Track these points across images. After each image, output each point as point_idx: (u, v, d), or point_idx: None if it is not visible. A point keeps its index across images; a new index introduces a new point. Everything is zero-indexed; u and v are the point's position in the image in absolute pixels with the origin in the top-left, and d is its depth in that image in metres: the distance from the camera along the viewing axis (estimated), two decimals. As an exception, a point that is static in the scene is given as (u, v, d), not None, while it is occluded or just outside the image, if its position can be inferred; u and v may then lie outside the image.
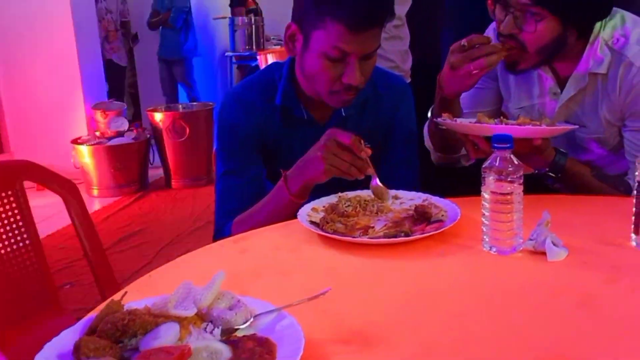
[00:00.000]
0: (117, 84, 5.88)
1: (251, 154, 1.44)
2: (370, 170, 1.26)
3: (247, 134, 1.44)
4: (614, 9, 1.43)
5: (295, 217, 1.23)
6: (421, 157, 1.58)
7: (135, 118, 6.50)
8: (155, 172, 4.82)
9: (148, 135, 4.70)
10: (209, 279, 0.84)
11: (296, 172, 1.30)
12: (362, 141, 1.25)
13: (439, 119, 1.40)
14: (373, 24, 1.27)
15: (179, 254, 1.15)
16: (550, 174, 1.40)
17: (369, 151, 1.24)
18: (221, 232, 1.42)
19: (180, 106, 5.11)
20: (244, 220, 1.37)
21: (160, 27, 6.05)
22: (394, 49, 2.15)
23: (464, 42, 1.36)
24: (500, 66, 1.59)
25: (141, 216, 4.08)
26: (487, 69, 1.38)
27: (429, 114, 1.53)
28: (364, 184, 1.30)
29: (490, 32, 1.63)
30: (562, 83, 1.49)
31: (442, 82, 1.44)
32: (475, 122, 1.34)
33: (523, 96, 1.58)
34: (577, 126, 1.38)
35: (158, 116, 4.56)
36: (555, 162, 1.39)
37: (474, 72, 1.36)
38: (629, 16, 1.45)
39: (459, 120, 1.42)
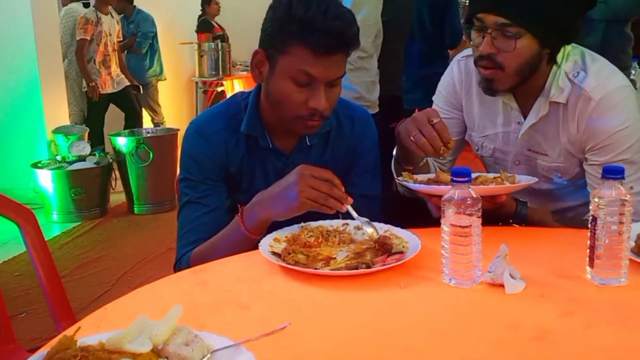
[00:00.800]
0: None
1: (214, 184, 1.43)
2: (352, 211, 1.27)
3: (209, 164, 1.43)
4: (574, 44, 1.49)
5: (256, 247, 1.22)
6: (383, 187, 1.59)
7: (98, 143, 6.41)
8: (117, 198, 4.75)
9: (111, 160, 4.64)
10: (167, 312, 0.82)
11: (260, 207, 1.29)
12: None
13: (399, 179, 1.42)
14: (338, 49, 1.28)
15: (139, 281, 1.13)
16: (514, 224, 1.43)
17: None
18: (180, 262, 1.41)
19: (144, 131, 5.06)
20: (202, 254, 1.35)
21: (125, 52, 6.01)
22: (359, 80, 2.18)
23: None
24: (465, 96, 1.63)
25: (101, 242, 4.00)
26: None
27: (394, 152, 1.55)
28: (328, 215, 1.31)
29: (454, 64, 1.66)
30: (525, 112, 1.53)
31: (397, 133, 1.46)
32: (435, 182, 1.37)
33: (487, 125, 1.62)
34: (536, 179, 1.41)
35: (121, 141, 4.50)
36: (518, 212, 1.43)
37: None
38: (588, 52, 1.51)
39: (419, 178, 1.44)
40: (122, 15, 5.96)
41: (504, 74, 1.42)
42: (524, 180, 1.41)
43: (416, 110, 3.81)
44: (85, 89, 5.41)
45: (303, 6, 1.26)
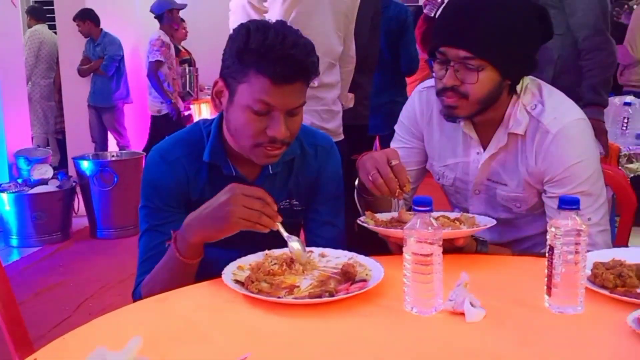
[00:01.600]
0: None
1: (174, 212, 1.42)
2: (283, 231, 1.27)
3: (170, 192, 1.42)
4: (532, 77, 1.53)
5: (194, 278, 1.23)
6: (348, 214, 1.60)
7: (62, 165, 6.31)
8: (79, 222, 4.66)
9: (74, 183, 4.56)
10: (126, 342, 0.81)
11: (191, 229, 1.26)
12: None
13: (360, 220, 1.43)
14: (296, 78, 1.28)
15: (101, 308, 1.12)
16: None
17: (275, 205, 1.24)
18: (136, 291, 1.40)
19: (109, 154, 5.01)
20: (147, 284, 1.34)
21: (92, 74, 5.94)
22: (310, 109, 2.19)
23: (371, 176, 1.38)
24: (426, 126, 1.66)
25: (62, 267, 3.91)
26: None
27: (356, 183, 1.57)
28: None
29: (415, 95, 1.69)
30: (484, 143, 1.56)
31: (357, 167, 1.47)
32: (397, 222, 1.39)
33: (448, 154, 1.64)
34: (494, 222, 1.43)
35: (85, 164, 4.44)
36: (478, 252, 1.45)
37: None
38: (546, 85, 1.55)
39: (381, 218, 1.45)
40: (89, 37, 5.91)
41: (467, 102, 1.45)
42: (483, 222, 1.43)
43: (377, 138, 3.87)
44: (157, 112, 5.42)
45: (261, 36, 1.26)
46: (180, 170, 1.43)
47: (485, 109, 1.48)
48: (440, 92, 1.48)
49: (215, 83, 1.38)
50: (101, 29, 5.92)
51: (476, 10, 1.41)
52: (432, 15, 3.70)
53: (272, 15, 2.13)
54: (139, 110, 6.85)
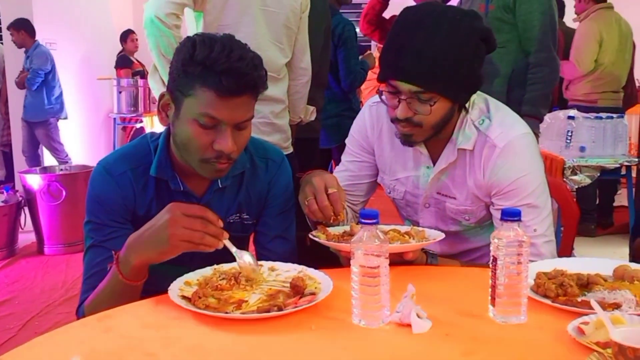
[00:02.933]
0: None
1: (120, 227, 1.39)
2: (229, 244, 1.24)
3: (116, 207, 1.39)
4: (479, 92, 1.56)
5: (139, 295, 1.20)
6: (299, 227, 1.60)
7: (8, 179, 6.12)
8: (26, 237, 4.52)
9: (20, 198, 4.43)
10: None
11: (133, 252, 1.23)
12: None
13: (312, 235, 1.44)
14: (242, 91, 1.27)
15: (48, 326, 1.08)
16: None
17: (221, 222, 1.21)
18: (80, 309, 1.36)
19: (57, 168, 4.88)
20: (91, 304, 1.30)
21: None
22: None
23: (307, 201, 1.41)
24: (377, 141, 1.68)
25: (8, 285, 3.78)
26: None
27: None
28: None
29: (366, 109, 1.70)
30: (434, 157, 1.58)
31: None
32: (349, 235, 1.40)
33: (398, 169, 1.66)
34: (443, 235, 1.45)
35: (32, 178, 4.32)
36: (428, 264, 1.46)
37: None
38: (492, 100, 1.58)
39: (332, 232, 1.46)
40: (22, 48, 5.67)
41: (421, 129, 1.47)
42: (433, 236, 1.45)
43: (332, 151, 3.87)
44: None
45: (206, 49, 1.25)
46: (126, 184, 1.40)
47: (440, 131, 1.50)
48: (394, 121, 1.50)
49: (162, 96, 1.36)
50: (35, 41, 5.66)
51: (423, 44, 1.40)
52: None
53: (192, 32, 2.11)
54: (89, 123, 6.72)
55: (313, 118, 2.63)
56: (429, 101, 1.42)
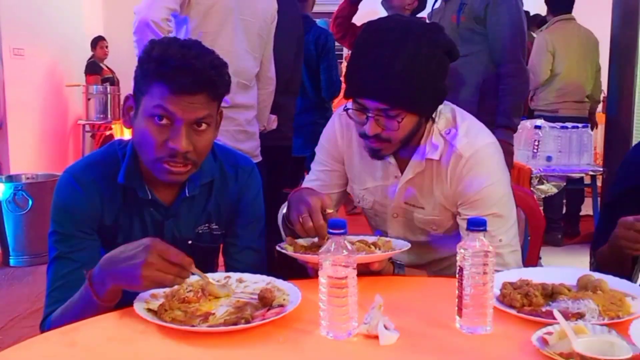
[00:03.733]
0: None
1: (86, 237, 1.37)
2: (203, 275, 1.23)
3: (82, 216, 1.37)
4: (445, 102, 1.58)
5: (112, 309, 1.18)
6: (268, 237, 1.59)
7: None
8: (-9, 248, 4.42)
9: (-16, 207, 4.33)
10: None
11: (107, 276, 1.19)
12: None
13: (279, 247, 1.44)
14: (198, 89, 1.26)
15: (11, 341, 1.06)
16: None
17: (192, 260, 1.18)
18: (44, 323, 1.33)
19: (23, 176, 4.77)
20: (61, 319, 1.26)
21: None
22: (222, 129, 2.18)
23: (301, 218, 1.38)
24: (346, 150, 1.68)
25: (-29, 298, 3.69)
26: None
27: (284, 210, 1.57)
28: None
29: (336, 118, 1.71)
30: (402, 167, 1.59)
31: (289, 201, 1.48)
32: (317, 247, 1.39)
33: (367, 178, 1.66)
34: (409, 245, 1.46)
35: (-3, 187, 4.23)
36: (395, 275, 1.47)
37: None
38: (458, 110, 1.60)
39: (301, 242, 1.46)
40: None
41: (390, 144, 1.48)
42: (399, 246, 1.46)
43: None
44: None
45: (164, 46, 1.27)
46: (93, 193, 1.38)
47: (408, 143, 1.52)
48: (362, 136, 1.50)
49: (126, 99, 1.36)
50: None
51: (388, 62, 1.40)
52: None
53: (179, 36, 2.12)
54: (57, 130, 6.61)
55: (274, 127, 2.65)
56: (396, 117, 1.43)
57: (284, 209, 1.59)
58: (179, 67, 1.24)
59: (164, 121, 1.27)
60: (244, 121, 2.31)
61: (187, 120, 1.28)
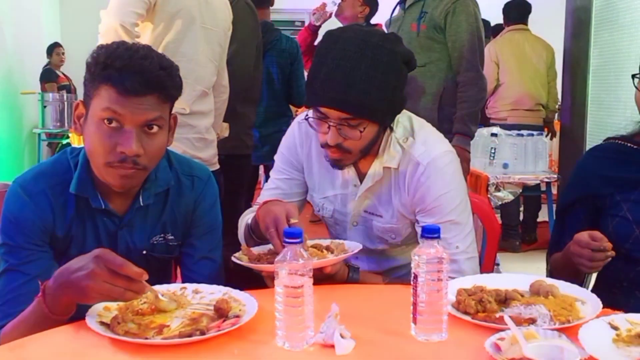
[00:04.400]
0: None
1: (37, 249, 1.33)
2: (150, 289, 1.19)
3: (32, 227, 1.33)
4: (404, 111, 1.59)
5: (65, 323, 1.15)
6: (225, 247, 1.58)
7: None
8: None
9: None
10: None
11: (57, 291, 1.16)
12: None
13: (234, 257, 1.44)
14: (146, 90, 1.25)
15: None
16: None
17: (146, 275, 1.14)
18: None
19: (-25, 186, 4.64)
20: (11, 334, 1.22)
21: None
22: (181, 137, 2.17)
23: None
24: (306, 158, 1.68)
25: None
26: None
27: (249, 221, 1.57)
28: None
29: (295, 126, 1.70)
30: (361, 175, 1.60)
31: (257, 216, 1.48)
32: (273, 254, 1.39)
33: (327, 187, 1.67)
34: (361, 246, 1.48)
35: (-53, 198, 4.08)
36: (350, 278, 1.48)
37: None
38: (416, 118, 1.62)
39: (255, 251, 1.47)
40: None
41: (350, 155, 1.49)
42: (352, 247, 1.47)
43: (261, 167, 3.90)
44: None
45: (110, 49, 1.26)
46: (44, 203, 1.34)
47: (368, 153, 1.53)
48: (324, 146, 1.51)
49: (76, 106, 1.33)
50: None
51: (349, 73, 1.41)
52: (318, 24, 3.83)
53: (143, 42, 2.10)
54: (12, 138, 6.45)
55: (227, 134, 2.64)
56: (358, 127, 1.44)
57: (248, 220, 1.58)
58: (126, 68, 1.23)
59: (113, 124, 1.25)
60: (203, 128, 2.30)
61: (137, 123, 1.26)
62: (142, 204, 1.40)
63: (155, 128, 1.29)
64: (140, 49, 1.28)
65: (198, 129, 2.26)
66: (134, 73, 1.23)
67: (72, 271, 1.13)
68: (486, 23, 4.45)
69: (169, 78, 1.28)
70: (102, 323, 1.14)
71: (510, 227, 4.46)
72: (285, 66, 3.62)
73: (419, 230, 1.57)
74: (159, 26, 2.15)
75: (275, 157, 1.76)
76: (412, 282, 1.11)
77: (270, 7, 3.71)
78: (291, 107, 3.87)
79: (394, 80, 1.47)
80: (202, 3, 2.27)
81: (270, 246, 1.48)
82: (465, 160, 2.86)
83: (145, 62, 1.24)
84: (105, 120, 1.25)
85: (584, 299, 1.23)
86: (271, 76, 3.54)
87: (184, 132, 2.17)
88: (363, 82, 1.41)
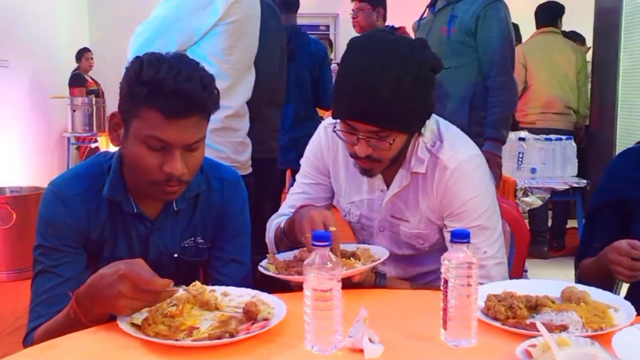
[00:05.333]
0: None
1: (71, 251, 1.35)
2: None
3: (67, 230, 1.35)
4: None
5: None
6: (254, 249, 1.58)
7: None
8: (-26, 263, 4.34)
9: (-32, 221, 4.27)
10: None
11: (89, 302, 1.17)
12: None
13: (261, 266, 1.44)
14: (190, 112, 1.26)
15: (-7, 360, 1.03)
16: None
17: (172, 282, 1.16)
18: (27, 339, 1.31)
19: (7, 189, 4.72)
20: (44, 336, 1.24)
21: None
22: (225, 140, 2.17)
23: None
24: (332, 163, 1.68)
25: (-47, 313, 3.62)
26: None
27: (282, 225, 1.57)
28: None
29: (321, 131, 1.70)
30: (388, 180, 1.59)
31: (292, 220, 1.47)
32: (298, 260, 1.40)
33: (353, 192, 1.66)
34: (388, 253, 1.47)
35: (-20, 201, 4.18)
36: (377, 284, 1.47)
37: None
38: (443, 122, 1.60)
39: (281, 258, 1.47)
40: None
41: (381, 164, 1.49)
42: (378, 254, 1.47)
43: (288, 171, 3.91)
44: None
45: (153, 69, 1.24)
46: (78, 207, 1.37)
47: (398, 160, 1.52)
48: (353, 156, 1.50)
49: (112, 116, 1.34)
50: None
51: (376, 86, 1.38)
52: None
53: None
54: (42, 142, 6.57)
55: None
56: (387, 139, 1.43)
57: (280, 223, 1.59)
58: (172, 93, 1.23)
59: (157, 146, 1.27)
60: (243, 132, 2.31)
61: (181, 145, 1.28)
62: (175, 208, 1.42)
63: (197, 145, 1.32)
64: (183, 68, 1.26)
65: (240, 133, 2.27)
66: (179, 97, 1.23)
67: (102, 288, 1.14)
68: (515, 27, 4.40)
69: (210, 97, 1.29)
70: (133, 324, 1.15)
71: (538, 233, 4.40)
72: (314, 69, 3.63)
73: (446, 235, 1.55)
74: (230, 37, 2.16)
75: (302, 162, 1.76)
76: (442, 287, 1.10)
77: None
78: (318, 110, 3.89)
79: (422, 89, 1.44)
80: (254, 14, 2.30)
81: (296, 252, 1.48)
82: (497, 166, 2.83)
83: (189, 84, 1.24)
84: (150, 144, 1.26)
85: (617, 306, 1.21)
86: (300, 79, 3.54)
87: (227, 135, 2.18)
88: (390, 94, 1.38)
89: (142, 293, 1.13)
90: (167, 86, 1.23)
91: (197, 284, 1.24)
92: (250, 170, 2.40)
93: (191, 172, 1.33)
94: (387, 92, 1.39)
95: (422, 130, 1.54)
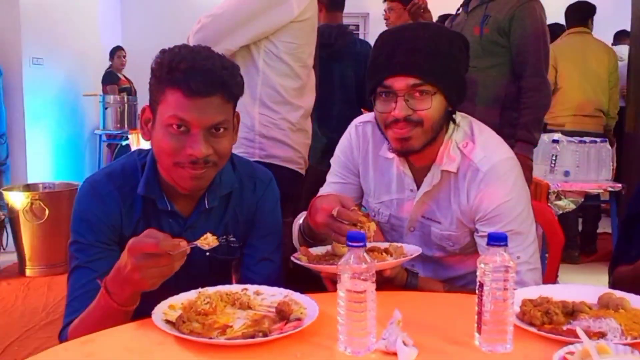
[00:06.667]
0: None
1: (106, 247, 1.38)
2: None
3: (102, 226, 1.38)
4: (463, 114, 1.57)
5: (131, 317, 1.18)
6: (285, 249, 1.59)
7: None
8: (7, 258, 4.43)
9: (3, 217, 4.35)
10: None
11: (117, 288, 1.20)
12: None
13: (294, 257, 1.44)
14: (211, 91, 1.27)
15: (27, 352, 1.06)
16: None
17: (184, 240, 1.16)
18: (63, 333, 1.33)
19: (40, 185, 4.81)
20: (78, 329, 1.27)
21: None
22: (301, 142, 2.17)
23: (334, 211, 1.37)
24: (362, 162, 1.67)
25: (-13, 307, 3.70)
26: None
27: (301, 221, 1.57)
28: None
29: (352, 129, 1.70)
30: (418, 180, 1.58)
31: (312, 210, 1.46)
32: (331, 255, 1.39)
33: (382, 191, 1.65)
34: (420, 250, 1.46)
35: (15, 196, 4.26)
36: (408, 283, 1.46)
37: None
38: (476, 122, 1.59)
39: (314, 252, 1.47)
40: None
41: (421, 130, 1.45)
42: (411, 251, 1.45)
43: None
44: None
45: (173, 52, 1.29)
46: (113, 203, 1.39)
47: (434, 140, 1.49)
48: (389, 125, 1.47)
49: (143, 111, 1.37)
50: None
51: (415, 40, 1.44)
52: None
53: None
54: (74, 139, 6.68)
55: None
56: (428, 93, 1.43)
57: (299, 220, 1.59)
58: (191, 70, 1.25)
59: (182, 128, 1.28)
60: (310, 133, 2.31)
61: (204, 126, 1.29)
62: (207, 206, 1.43)
63: (222, 130, 1.32)
64: (202, 50, 1.31)
65: (308, 134, 2.27)
66: (198, 74, 1.25)
67: (120, 268, 1.17)
68: (560, 27, 4.31)
69: (232, 77, 1.31)
70: (168, 321, 1.16)
71: (568, 238, 4.31)
72: (360, 69, 3.56)
73: (478, 240, 1.53)
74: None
75: (332, 161, 1.75)
76: (477, 291, 1.09)
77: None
78: (363, 111, 3.84)
79: (457, 54, 1.49)
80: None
81: (328, 247, 1.48)
82: (527, 169, 2.79)
83: (208, 62, 1.27)
84: (173, 126, 1.28)
85: (657, 314, 1.18)
86: (345, 80, 3.44)
87: (301, 137, 2.19)
88: (429, 47, 1.44)
89: (153, 259, 1.13)
90: (185, 63, 1.26)
91: (208, 236, 1.24)
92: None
93: (219, 155, 1.33)
94: (425, 44, 1.44)
95: (454, 129, 1.53)
